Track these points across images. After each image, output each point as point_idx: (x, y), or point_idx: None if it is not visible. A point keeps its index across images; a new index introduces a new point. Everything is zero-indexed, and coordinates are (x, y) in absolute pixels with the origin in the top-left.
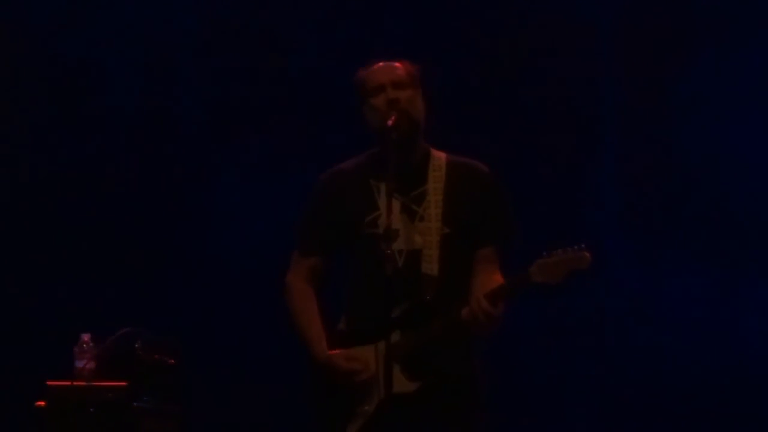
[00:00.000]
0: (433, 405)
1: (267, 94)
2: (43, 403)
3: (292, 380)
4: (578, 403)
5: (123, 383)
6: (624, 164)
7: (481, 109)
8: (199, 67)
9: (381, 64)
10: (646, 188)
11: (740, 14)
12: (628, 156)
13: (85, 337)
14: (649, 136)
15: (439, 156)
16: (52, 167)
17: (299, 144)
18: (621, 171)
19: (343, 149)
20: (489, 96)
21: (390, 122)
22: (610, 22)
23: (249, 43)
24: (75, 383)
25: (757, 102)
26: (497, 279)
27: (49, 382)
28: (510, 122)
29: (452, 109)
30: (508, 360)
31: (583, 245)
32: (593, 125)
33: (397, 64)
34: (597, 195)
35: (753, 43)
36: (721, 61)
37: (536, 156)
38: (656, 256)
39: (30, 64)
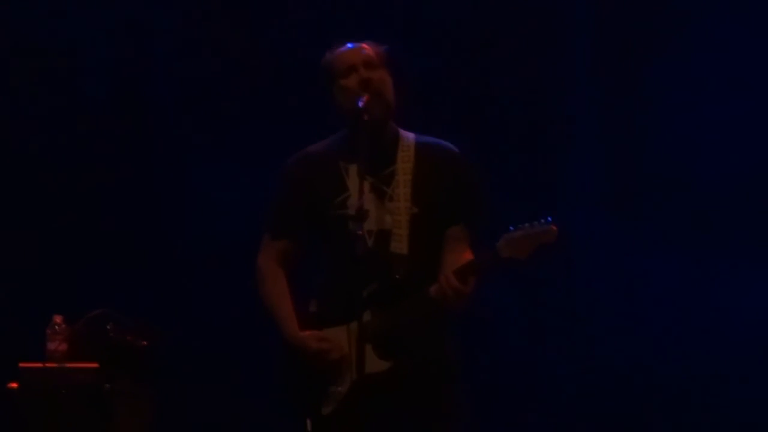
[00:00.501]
0: (406, 384)
1: (242, 76)
2: (15, 384)
3: (266, 362)
4: (553, 384)
5: (95, 365)
6: (600, 146)
7: (456, 91)
8: (173, 49)
9: (349, 45)
10: (622, 171)
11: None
12: (604, 138)
13: (58, 318)
14: (625, 119)
15: (408, 136)
16: (23, 149)
17: (274, 126)
18: (597, 153)
19: (318, 131)
20: (464, 79)
21: (362, 103)
22: (584, 7)
23: (224, 25)
24: (47, 365)
25: (729, 85)
26: (467, 257)
27: (21, 364)
28: (485, 106)
29: (425, 91)
30: (484, 340)
31: (549, 219)
32: (569, 108)
33: (365, 46)
34: (573, 178)
35: (723, 29)
36: (694, 44)
37: (512, 139)
38: (632, 239)
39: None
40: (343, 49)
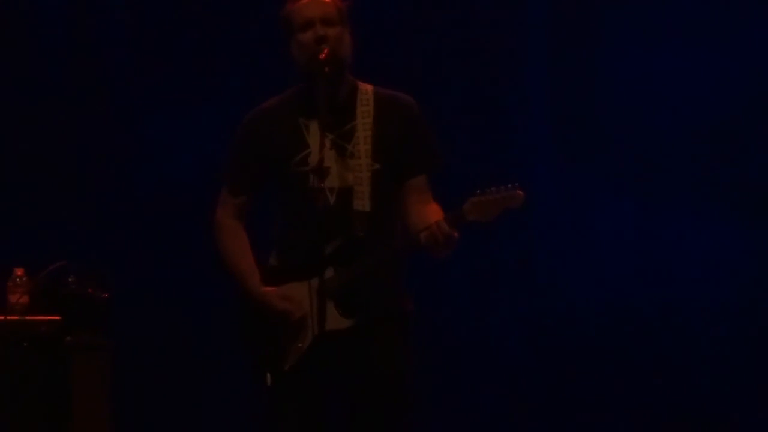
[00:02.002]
0: (365, 340)
1: (195, 24)
2: None
3: (225, 314)
4: (509, 339)
5: (56, 317)
6: (552, 99)
7: (407, 38)
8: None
9: None
10: (572, 119)
11: None
12: (556, 91)
13: (19, 271)
14: (577, 70)
15: (366, 89)
16: None
17: (227, 74)
18: (548, 101)
19: (273, 80)
20: (416, 26)
21: (322, 55)
22: None
23: None
24: (8, 318)
25: (683, 29)
26: (434, 208)
27: None
28: (435, 51)
29: (378, 39)
30: (439, 295)
31: (516, 184)
32: (522, 60)
33: (325, 0)
34: (525, 126)
35: None
36: None
37: (468, 92)
38: (584, 187)
39: None
40: (302, 2)
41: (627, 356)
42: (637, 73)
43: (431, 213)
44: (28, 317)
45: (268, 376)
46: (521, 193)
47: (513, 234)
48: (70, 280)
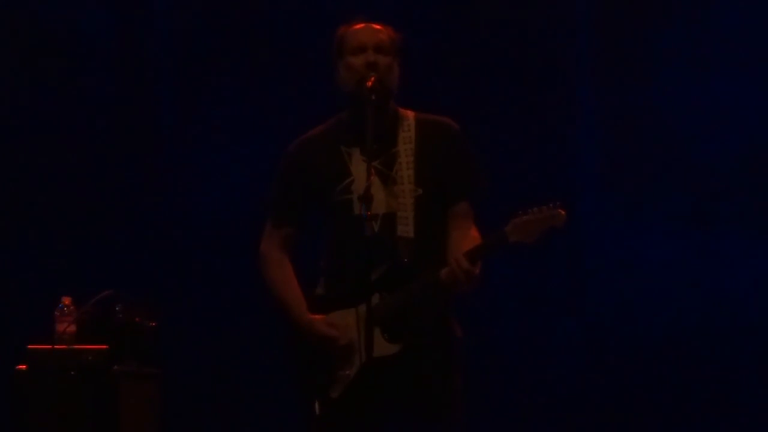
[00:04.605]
0: (413, 367)
1: (242, 51)
2: (24, 366)
3: (272, 344)
4: (558, 364)
5: (103, 346)
6: (601, 121)
7: (457, 67)
8: (171, 26)
9: (364, 24)
10: (623, 145)
11: None
12: (605, 113)
13: (66, 300)
14: (627, 93)
15: (407, 115)
16: (23, 133)
17: (271, 104)
18: (598, 128)
19: (314, 111)
20: (464, 52)
21: (369, 83)
22: None
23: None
24: (56, 347)
25: (734, 57)
26: (473, 234)
27: (30, 346)
28: (486, 79)
29: (427, 67)
30: (489, 320)
31: (558, 203)
32: (570, 82)
33: (379, 27)
34: (574, 152)
35: (731, 5)
36: (698, 15)
37: (514, 113)
38: (634, 214)
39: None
40: (357, 27)
41: (678, 379)
42: (687, 98)
43: (467, 242)
44: (75, 346)
45: (317, 404)
46: (563, 212)
47: (561, 256)
48: (117, 309)
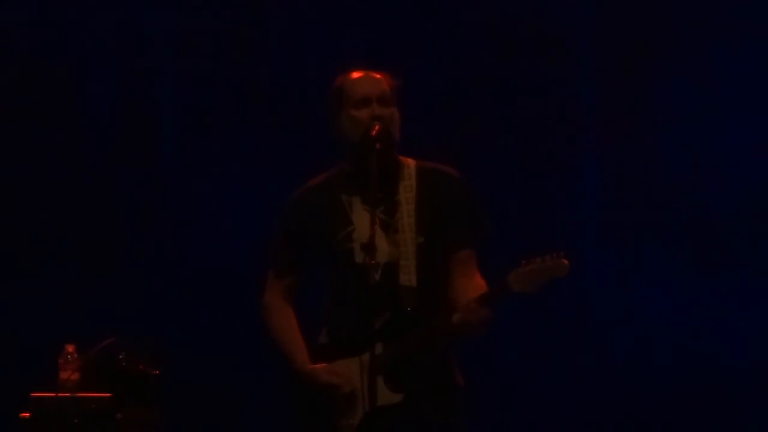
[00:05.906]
0: (416, 416)
1: (246, 97)
2: (27, 414)
3: (275, 390)
4: (560, 411)
5: (107, 394)
6: (603, 169)
7: (459, 113)
8: (176, 69)
9: (363, 74)
10: (625, 193)
11: (719, 21)
12: (607, 161)
13: (70, 347)
14: (629, 141)
15: (408, 164)
16: (29, 173)
17: (276, 149)
18: (600, 176)
19: (320, 155)
20: (466, 101)
21: (374, 132)
22: (589, 27)
23: (226, 46)
24: (59, 395)
25: (737, 108)
26: (478, 281)
27: (33, 394)
28: (488, 127)
29: (428, 114)
30: (492, 368)
31: (561, 252)
32: (572, 130)
33: (379, 77)
34: (576, 200)
35: (732, 50)
36: (701, 66)
37: (516, 161)
38: (636, 262)
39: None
40: (356, 77)
41: (682, 422)
42: (690, 147)
43: (473, 288)
44: (79, 394)
45: None
46: (566, 262)
47: (564, 300)
48: (120, 356)
